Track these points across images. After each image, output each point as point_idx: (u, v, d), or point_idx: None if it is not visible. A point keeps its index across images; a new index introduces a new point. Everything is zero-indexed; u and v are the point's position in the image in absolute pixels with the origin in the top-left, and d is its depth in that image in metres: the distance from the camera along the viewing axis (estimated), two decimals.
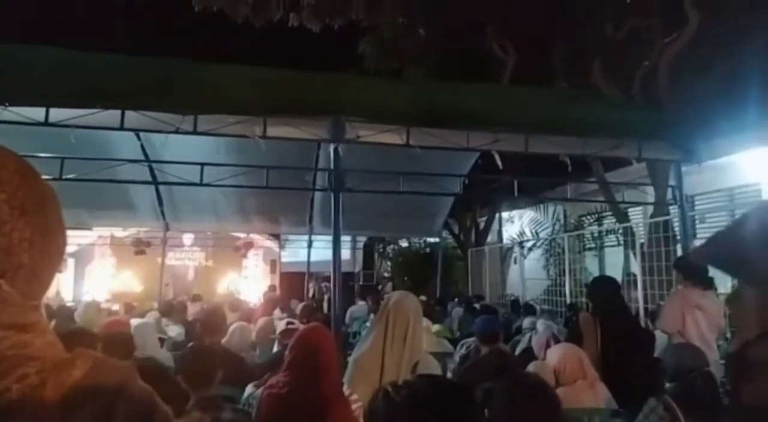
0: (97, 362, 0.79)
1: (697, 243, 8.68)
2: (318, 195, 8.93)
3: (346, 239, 14.38)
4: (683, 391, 2.90)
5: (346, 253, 15.41)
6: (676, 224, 6.61)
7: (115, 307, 8.68)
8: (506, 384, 1.89)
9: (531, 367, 3.58)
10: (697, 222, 9.21)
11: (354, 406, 2.57)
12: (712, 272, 4.33)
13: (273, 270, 15.29)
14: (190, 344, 4.63)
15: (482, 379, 3.78)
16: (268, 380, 2.63)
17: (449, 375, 4.90)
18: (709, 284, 4.20)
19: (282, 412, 2.23)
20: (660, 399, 2.93)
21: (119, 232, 13.45)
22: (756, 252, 0.51)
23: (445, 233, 13.12)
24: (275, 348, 4.80)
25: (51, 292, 12.06)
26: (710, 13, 7.34)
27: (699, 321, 4.04)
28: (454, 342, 6.26)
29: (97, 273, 14.38)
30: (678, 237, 6.53)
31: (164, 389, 1.45)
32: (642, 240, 7.96)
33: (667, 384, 3.06)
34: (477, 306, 8.32)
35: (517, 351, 5.39)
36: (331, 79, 5.51)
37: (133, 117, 4.51)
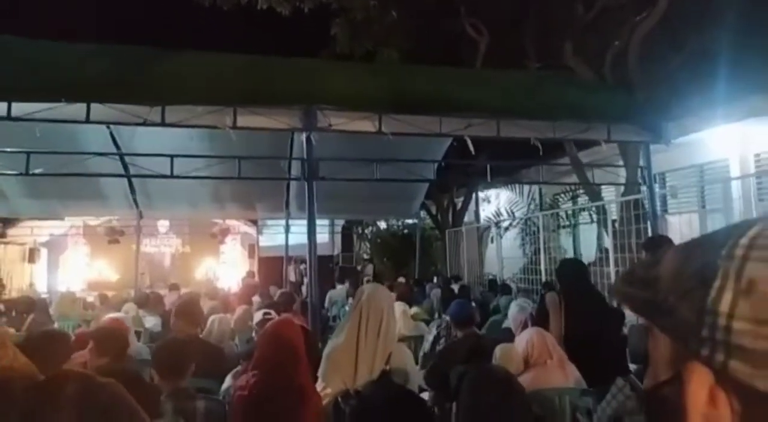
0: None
1: (669, 219, 8.94)
2: (294, 180, 8.89)
3: (324, 222, 14.38)
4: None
5: (324, 237, 15.41)
6: (646, 202, 6.74)
7: (90, 298, 8.58)
8: (471, 378, 1.94)
9: (498, 350, 3.65)
10: (669, 198, 9.40)
11: (327, 399, 2.61)
12: None
13: (251, 255, 15.26)
14: (164, 338, 4.64)
15: (457, 362, 3.88)
16: (240, 376, 2.66)
17: (421, 357, 4.99)
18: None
19: (253, 415, 2.26)
20: (627, 379, 3.03)
21: (92, 221, 13.26)
22: (674, 302, 0.52)
23: (422, 214, 13.19)
24: (254, 337, 4.83)
25: (25, 284, 11.97)
26: None
27: None
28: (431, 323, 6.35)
29: (71, 263, 14.20)
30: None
31: (135, 391, 1.49)
32: (614, 218, 8.11)
33: (633, 366, 3.15)
34: (454, 287, 8.42)
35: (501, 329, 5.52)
36: (301, 67, 5.45)
37: (99, 109, 4.42)
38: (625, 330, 4.40)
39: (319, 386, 2.64)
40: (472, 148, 5.10)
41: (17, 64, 4.39)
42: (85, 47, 5.01)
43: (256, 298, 7.48)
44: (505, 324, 5.54)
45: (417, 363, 4.93)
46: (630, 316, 4.70)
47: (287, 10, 8.63)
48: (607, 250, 8.31)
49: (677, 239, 7.97)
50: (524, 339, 3.50)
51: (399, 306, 5.91)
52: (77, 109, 4.41)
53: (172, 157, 5.23)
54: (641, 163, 6.03)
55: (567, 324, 3.91)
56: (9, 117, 4.29)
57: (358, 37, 9.07)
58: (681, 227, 8.86)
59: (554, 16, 8.79)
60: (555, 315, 4.07)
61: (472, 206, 13.95)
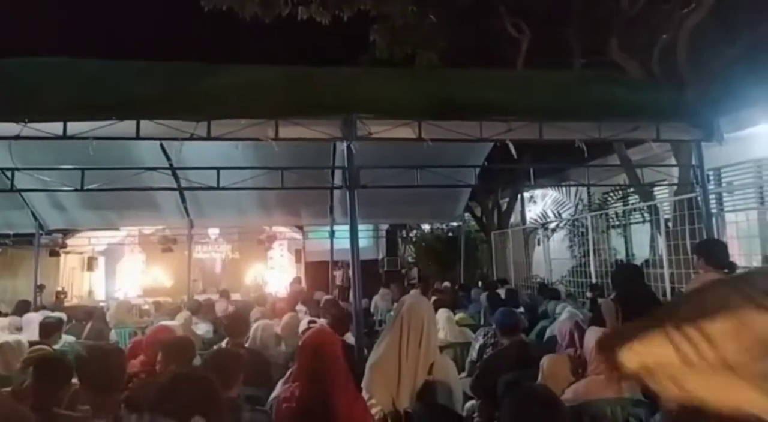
0: None
1: (726, 217, 8.53)
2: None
3: (368, 227, 14.45)
4: None
5: (369, 241, 15.49)
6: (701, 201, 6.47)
7: (146, 306, 8.90)
8: (511, 399, 1.90)
9: (545, 361, 3.56)
10: (724, 195, 8.99)
11: (373, 410, 2.62)
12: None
13: (298, 260, 15.48)
14: (215, 347, 4.77)
15: (503, 371, 3.82)
16: (285, 387, 2.70)
17: (467, 364, 4.94)
18: (731, 268, 4.12)
19: None
20: None
21: (147, 229, 13.74)
22: None
23: (467, 216, 13.06)
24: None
25: (84, 292, 12.47)
26: None
27: None
28: (478, 329, 6.28)
29: (127, 271, 14.75)
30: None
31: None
32: (667, 217, 7.81)
33: None
34: (501, 291, 8.29)
35: (546, 337, 5.41)
36: (340, 77, 5.50)
37: (148, 125, 4.59)
38: None
39: (364, 396, 2.66)
40: (514, 153, 5.02)
41: (72, 85, 4.61)
42: (133, 66, 5.22)
43: (299, 306, 7.57)
44: (548, 332, 5.43)
45: (463, 369, 4.89)
46: None
47: (326, 20, 8.74)
48: (660, 251, 8.03)
49: (735, 237, 7.65)
50: (590, 343, 3.35)
51: (443, 313, 5.87)
52: (128, 126, 4.59)
53: (218, 169, 5.37)
54: (693, 161, 5.78)
55: None
56: (65, 136, 4.50)
57: (397, 42, 9.09)
58: (743, 225, 8.46)
59: (598, 10, 8.55)
60: (612, 324, 3.93)
61: (517, 207, 13.73)
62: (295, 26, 8.74)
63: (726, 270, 4.07)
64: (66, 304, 11.16)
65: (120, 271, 14.82)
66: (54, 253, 12.10)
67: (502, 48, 10.05)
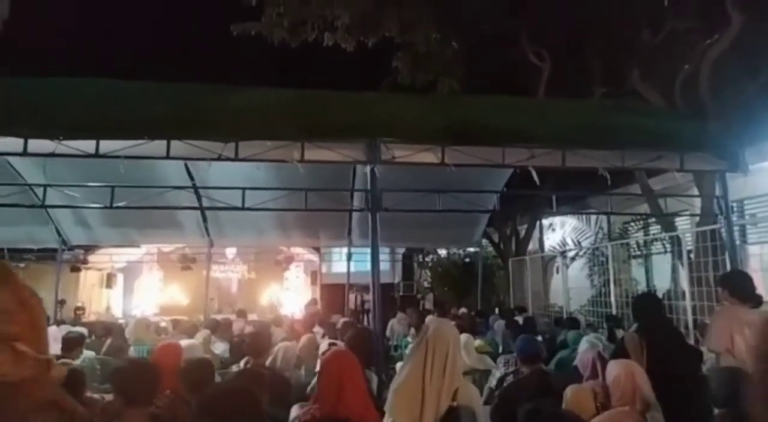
0: None
1: (749, 249, 8.40)
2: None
3: (385, 250, 14.44)
4: (733, 417, 2.81)
5: (385, 265, 15.47)
6: (725, 233, 6.39)
7: (163, 324, 8.95)
8: None
9: (569, 392, 3.51)
10: (747, 227, 8.87)
11: None
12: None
13: (314, 282, 15.51)
14: (239, 368, 4.78)
15: (523, 400, 3.77)
16: (305, 409, 2.71)
17: (486, 391, 4.88)
18: (758, 302, 4.05)
19: None
20: None
21: (165, 247, 13.89)
22: None
23: (484, 242, 13.01)
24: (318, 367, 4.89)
25: (102, 308, 12.55)
26: (754, 12, 7.09)
27: (749, 341, 3.90)
28: (496, 357, 6.21)
29: (145, 288, 14.88)
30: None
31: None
32: (689, 248, 7.72)
33: (716, 410, 2.97)
34: (519, 319, 8.20)
35: (567, 366, 5.32)
36: (364, 101, 5.59)
37: (178, 145, 4.70)
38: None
39: (386, 420, 2.65)
40: (536, 179, 5.03)
41: (106, 104, 4.75)
42: (164, 86, 5.36)
43: (317, 328, 7.57)
44: (572, 362, 5.34)
45: (481, 396, 4.83)
46: (707, 355, 4.45)
47: (351, 46, 8.92)
48: (681, 283, 7.91)
49: (759, 270, 7.52)
50: (612, 374, 3.30)
51: (463, 338, 5.82)
52: (157, 146, 4.70)
53: (243, 189, 5.45)
54: (717, 192, 5.74)
55: (649, 366, 3.71)
56: (97, 154, 4.62)
57: (419, 69, 9.22)
58: (763, 258, 8.32)
59: (620, 40, 8.62)
60: (636, 357, 3.86)
61: (536, 234, 13.64)
62: (320, 51, 8.93)
63: (752, 304, 4.01)
64: (83, 320, 11.27)
65: (138, 289, 14.96)
66: (75, 269, 12.25)
67: (523, 76, 10.14)
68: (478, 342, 6.76)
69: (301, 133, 4.70)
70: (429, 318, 7.59)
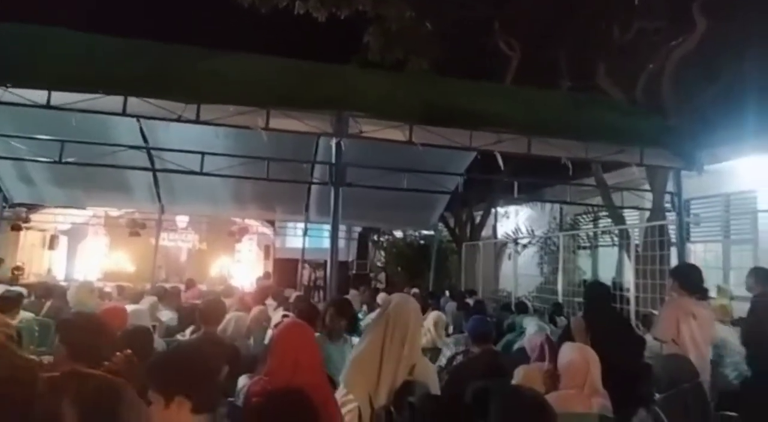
0: None
1: (690, 247, 8.77)
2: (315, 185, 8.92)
3: (341, 228, 14.36)
4: (674, 403, 2.93)
5: (341, 242, 15.40)
6: (671, 228, 6.65)
7: (108, 289, 8.65)
8: (507, 402, 1.90)
9: (520, 371, 3.58)
10: (691, 226, 9.26)
11: (350, 406, 2.58)
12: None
13: (267, 256, 15.31)
14: (194, 336, 4.66)
15: (474, 379, 3.83)
16: (254, 380, 2.65)
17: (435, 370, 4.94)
18: (704, 294, 4.23)
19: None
20: (650, 411, 2.97)
21: (113, 212, 13.41)
22: None
23: (440, 226, 13.13)
24: (268, 338, 4.82)
25: (43, 270, 12.01)
26: (718, 17, 7.31)
27: (694, 331, 4.07)
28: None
29: (89, 252, 14.34)
30: (673, 242, 6.59)
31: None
32: (637, 242, 8.00)
33: (657, 395, 3.08)
34: (470, 301, 8.34)
35: (515, 348, 5.44)
36: (336, 73, 5.48)
37: (135, 103, 4.48)
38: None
39: (340, 392, 2.63)
40: (501, 163, 5.07)
41: (61, 54, 4.47)
42: (126, 42, 5.09)
43: (269, 301, 7.47)
44: (518, 344, 5.47)
45: None
46: (651, 343, 4.63)
47: (323, 16, 8.71)
48: (626, 275, 8.21)
49: (701, 267, 7.87)
50: (568, 357, 3.37)
51: (432, 317, 5.88)
52: (113, 102, 4.47)
53: (203, 154, 5.27)
54: (670, 188, 5.95)
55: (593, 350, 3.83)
56: (48, 105, 4.36)
57: (390, 46, 9.10)
58: (706, 256, 8.72)
59: (589, 36, 8.74)
60: (581, 342, 3.98)
61: (490, 221, 13.86)
62: (289, 20, 8.68)
63: (699, 296, 4.19)
64: (22, 281, 10.77)
65: (82, 252, 14.41)
66: (16, 228, 11.67)
67: (492, 63, 10.18)
68: None
69: (267, 99, 4.55)
70: (381, 295, 7.65)
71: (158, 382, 1.81)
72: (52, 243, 13.48)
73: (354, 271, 16.90)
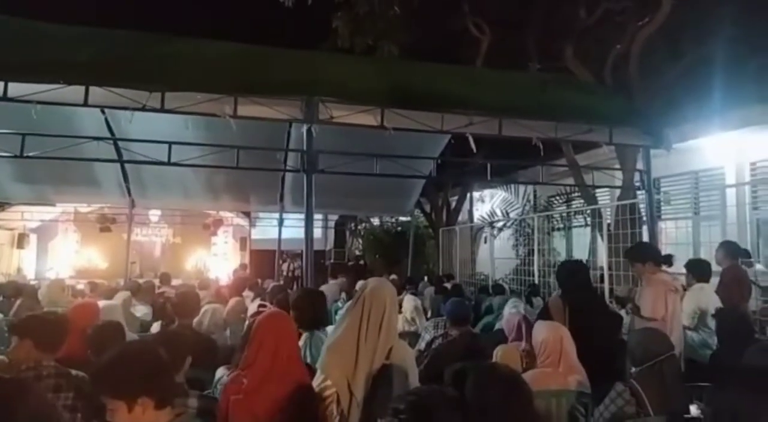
0: None
1: (661, 224, 8.96)
2: (289, 173, 8.82)
3: (318, 217, 14.31)
4: (649, 376, 2.97)
5: (317, 232, 15.34)
6: (642, 207, 6.76)
7: (80, 286, 8.48)
8: (482, 379, 1.90)
9: (499, 350, 3.61)
10: (662, 204, 9.44)
11: (328, 392, 2.56)
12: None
13: (243, 248, 15.14)
14: (159, 329, 4.58)
15: (452, 360, 3.85)
16: (232, 376, 2.61)
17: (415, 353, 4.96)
18: (669, 261, 4.33)
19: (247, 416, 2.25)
20: (626, 384, 3.02)
21: (83, 208, 13.10)
22: None
23: (416, 212, 13.15)
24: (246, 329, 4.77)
25: (13, 269, 11.70)
26: None
27: (675, 305, 4.16)
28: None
29: (60, 250, 14.02)
30: (644, 220, 6.70)
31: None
32: (609, 222, 8.13)
33: (633, 369, 3.13)
34: (447, 285, 8.39)
35: (495, 329, 5.49)
36: (305, 58, 5.40)
37: (98, 92, 4.34)
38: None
39: (318, 378, 2.60)
40: (473, 146, 5.08)
41: (16, 43, 4.30)
42: (84, 30, 4.93)
43: (246, 292, 7.42)
44: (498, 325, 5.52)
45: None
46: (627, 320, 4.72)
47: (290, 1, 8.55)
48: (599, 254, 8.35)
49: (671, 244, 8.04)
50: (541, 335, 3.40)
51: (411, 301, 5.89)
52: (75, 93, 4.32)
53: (170, 143, 5.15)
54: (640, 166, 6.03)
55: (571, 328, 3.88)
56: (5, 97, 4.20)
57: (359, 32, 9.00)
58: (677, 232, 8.91)
59: (557, 18, 8.78)
60: (559, 319, 4.02)
61: (466, 205, 13.94)
62: (255, 3, 8.49)
63: (668, 264, 4.30)
64: None
65: (52, 250, 14.06)
66: None
67: (462, 47, 10.16)
68: None
69: (235, 85, 4.46)
70: (359, 283, 7.64)
71: (113, 388, 1.76)
72: (21, 242, 13.12)
73: (332, 260, 16.86)
